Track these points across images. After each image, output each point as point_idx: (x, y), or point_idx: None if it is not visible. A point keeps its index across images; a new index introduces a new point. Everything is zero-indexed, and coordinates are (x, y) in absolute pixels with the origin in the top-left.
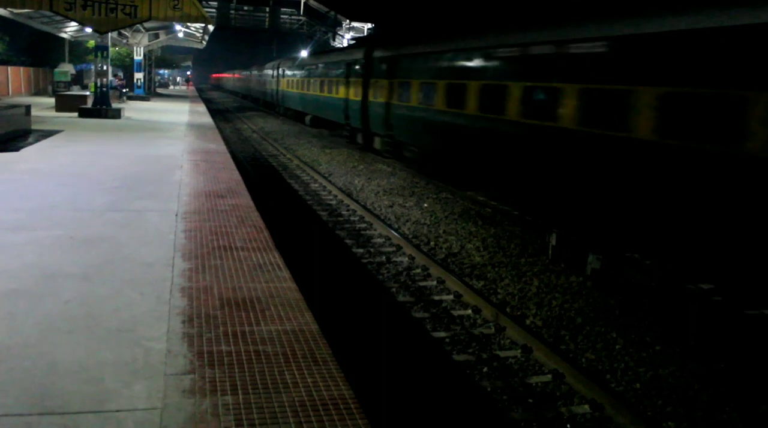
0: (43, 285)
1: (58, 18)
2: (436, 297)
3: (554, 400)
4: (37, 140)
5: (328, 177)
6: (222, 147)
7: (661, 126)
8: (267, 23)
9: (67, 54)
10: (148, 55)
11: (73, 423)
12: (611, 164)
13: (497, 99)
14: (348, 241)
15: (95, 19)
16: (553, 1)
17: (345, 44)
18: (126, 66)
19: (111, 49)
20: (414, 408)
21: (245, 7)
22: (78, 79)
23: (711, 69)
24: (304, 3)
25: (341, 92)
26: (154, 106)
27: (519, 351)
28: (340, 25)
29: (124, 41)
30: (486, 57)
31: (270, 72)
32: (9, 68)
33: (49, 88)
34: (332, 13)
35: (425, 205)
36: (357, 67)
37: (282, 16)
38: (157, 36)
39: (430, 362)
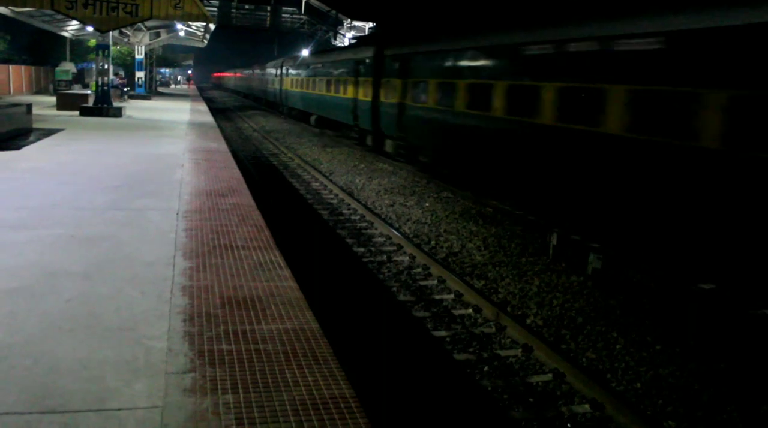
0: (44, 284)
1: (60, 17)
2: (437, 297)
3: (555, 400)
4: (38, 139)
5: (329, 176)
6: (223, 146)
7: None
8: (268, 22)
9: (68, 53)
10: (149, 54)
11: (74, 421)
12: (675, 176)
13: (528, 101)
14: (349, 240)
15: (96, 18)
16: None
17: (346, 43)
18: (127, 65)
19: (112, 48)
20: (414, 407)
21: (246, 6)
22: (79, 78)
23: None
24: (305, 2)
25: (349, 92)
26: (156, 104)
27: (520, 350)
28: (341, 24)
29: (126, 40)
30: (514, 55)
31: (273, 71)
32: (10, 67)
33: (51, 87)
34: (333, 12)
35: (426, 204)
36: (367, 65)
37: (283, 15)
38: (158, 35)
39: (431, 361)
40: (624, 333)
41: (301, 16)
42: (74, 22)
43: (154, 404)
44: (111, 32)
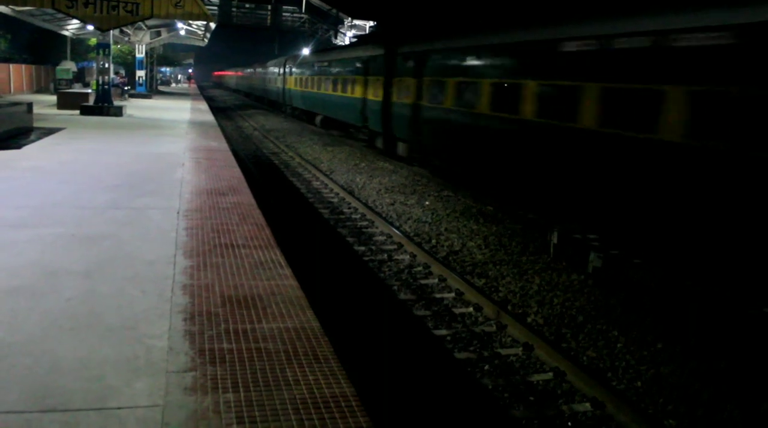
0: (45, 283)
1: (60, 15)
2: (438, 295)
3: (555, 398)
4: (39, 138)
5: (329, 175)
6: (224, 145)
7: None
8: (269, 21)
9: (68, 51)
10: (149, 53)
11: (75, 420)
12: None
13: (566, 103)
14: (349, 239)
15: (97, 17)
16: None
17: (347, 42)
18: (128, 63)
19: (113, 47)
20: (415, 406)
21: (247, 5)
22: (80, 77)
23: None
24: (306, 1)
25: (358, 91)
26: (156, 103)
27: (520, 349)
28: (342, 23)
29: (126, 39)
30: (548, 53)
31: (275, 69)
32: (11, 66)
33: (51, 86)
34: (334, 11)
35: (427, 202)
36: (377, 63)
37: (284, 14)
38: (158, 33)
39: (432, 360)
40: (625, 332)
41: (302, 15)
42: (75, 20)
43: (154, 403)
44: (111, 31)
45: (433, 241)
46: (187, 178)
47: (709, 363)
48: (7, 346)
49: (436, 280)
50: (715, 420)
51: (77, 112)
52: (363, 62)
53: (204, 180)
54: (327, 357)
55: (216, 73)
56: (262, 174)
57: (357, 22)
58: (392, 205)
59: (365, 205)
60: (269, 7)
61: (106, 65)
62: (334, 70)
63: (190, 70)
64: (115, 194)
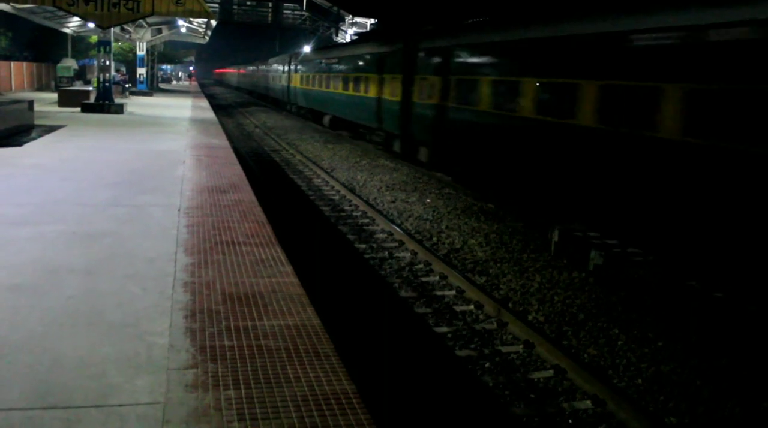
0: (46, 280)
1: (61, 13)
2: (439, 293)
3: (556, 396)
4: (40, 135)
5: (330, 172)
6: (224, 142)
7: None
8: (270, 18)
9: (69, 49)
10: (150, 50)
11: (76, 417)
12: None
13: (633, 107)
14: (350, 237)
15: (98, 14)
16: None
17: (348, 39)
18: (129, 61)
19: (113, 44)
20: (416, 404)
21: (248, 2)
22: (81, 75)
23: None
24: None
25: (372, 90)
26: (157, 101)
27: (521, 346)
28: (343, 20)
29: (127, 36)
30: (614, 47)
31: (280, 66)
32: (12, 63)
33: (52, 84)
34: (335, 8)
35: (428, 200)
36: (395, 60)
37: (285, 12)
38: (159, 31)
39: (433, 357)
40: (625, 330)
41: (303, 13)
42: (75, 18)
43: (155, 400)
44: (112, 29)
45: (434, 239)
46: (188, 176)
47: (710, 361)
48: (8, 344)
49: (437, 278)
50: (715, 418)
51: (78, 109)
52: (379, 58)
53: (205, 177)
54: (328, 354)
55: (217, 70)
56: (263, 171)
57: (358, 19)
58: (393, 202)
59: (366, 202)
60: (270, 4)
61: (107, 63)
62: (346, 66)
63: (191, 68)
64: (116, 191)
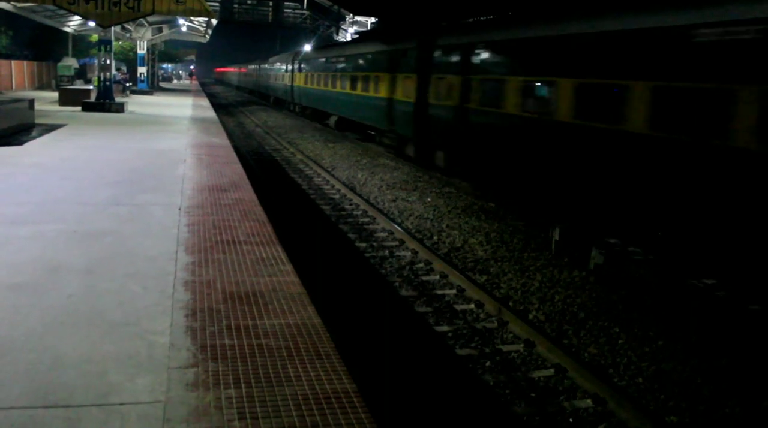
0: (47, 279)
1: (62, 12)
2: (439, 292)
3: (557, 395)
4: (40, 134)
5: (331, 171)
6: (225, 141)
7: None
8: (270, 17)
9: (70, 48)
10: (151, 49)
11: (77, 416)
12: None
13: (714, 114)
14: (351, 235)
15: (98, 13)
16: None
17: (348, 38)
18: (129, 60)
19: (114, 43)
20: (417, 402)
21: (248, 1)
22: (81, 73)
23: None
24: None
25: (383, 90)
26: (158, 100)
27: (522, 345)
28: (344, 19)
29: (128, 35)
30: (666, 43)
31: (282, 65)
32: (12, 62)
33: (53, 82)
34: (336, 7)
35: (428, 199)
36: (408, 58)
37: (285, 10)
38: (160, 30)
39: (433, 356)
40: (626, 329)
41: (303, 12)
42: (76, 17)
43: (156, 399)
44: (113, 27)
45: (435, 238)
46: (189, 175)
47: (710, 360)
48: (9, 342)
49: (438, 277)
50: (716, 417)
51: (79, 108)
52: (390, 57)
53: (206, 176)
54: (328, 353)
55: (218, 69)
56: (264, 170)
57: (359, 18)
58: (394, 201)
59: (367, 201)
60: (271, 3)
61: (108, 62)
62: (354, 65)
63: (191, 67)
64: (117, 190)
